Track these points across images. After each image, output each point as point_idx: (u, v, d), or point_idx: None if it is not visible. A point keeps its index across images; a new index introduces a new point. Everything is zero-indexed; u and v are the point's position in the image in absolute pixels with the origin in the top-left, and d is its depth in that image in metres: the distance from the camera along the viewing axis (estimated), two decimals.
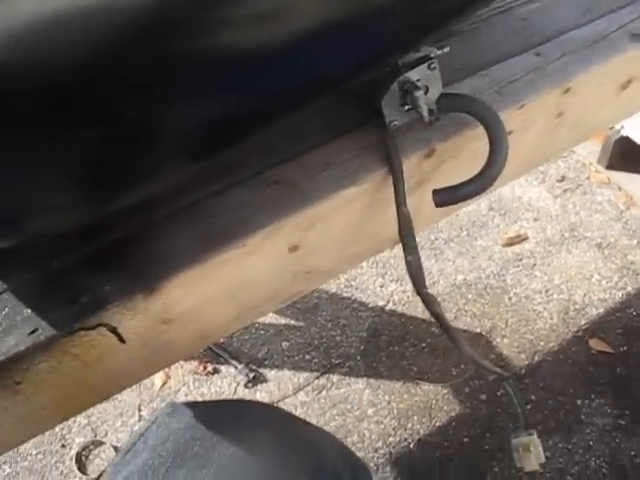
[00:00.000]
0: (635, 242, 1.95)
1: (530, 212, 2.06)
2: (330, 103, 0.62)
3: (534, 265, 1.91)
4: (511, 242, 1.96)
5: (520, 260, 1.93)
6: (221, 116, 0.45)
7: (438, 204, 0.59)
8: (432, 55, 0.57)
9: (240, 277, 0.56)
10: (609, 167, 2.12)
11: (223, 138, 0.48)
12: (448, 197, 0.59)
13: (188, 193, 0.57)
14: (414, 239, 0.58)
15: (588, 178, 2.15)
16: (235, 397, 1.67)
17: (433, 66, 0.56)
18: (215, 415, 0.63)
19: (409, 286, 1.82)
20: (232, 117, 0.46)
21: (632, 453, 1.55)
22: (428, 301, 0.58)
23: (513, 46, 0.71)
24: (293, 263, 0.59)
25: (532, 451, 0.67)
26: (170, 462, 0.58)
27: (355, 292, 1.85)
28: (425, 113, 0.56)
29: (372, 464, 1.55)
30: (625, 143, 2.03)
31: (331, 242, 0.60)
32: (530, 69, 0.68)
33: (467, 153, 0.64)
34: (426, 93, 0.57)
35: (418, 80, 0.56)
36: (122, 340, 0.52)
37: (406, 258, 0.57)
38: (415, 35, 0.53)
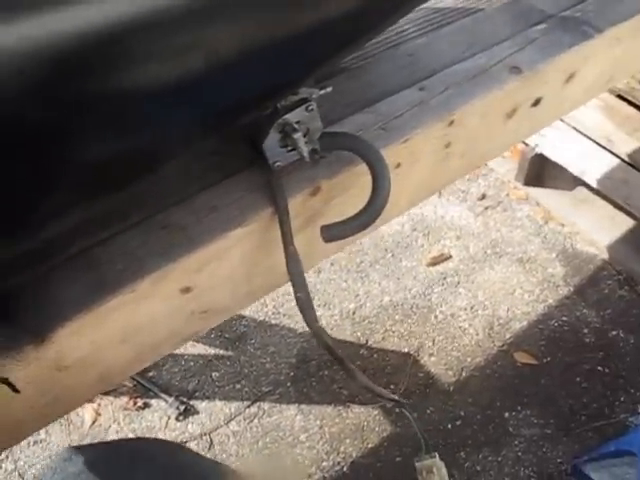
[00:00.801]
0: (554, 255, 2.01)
1: (453, 231, 2.10)
2: (218, 145, 0.63)
3: (458, 283, 1.95)
4: (435, 261, 2.00)
5: (444, 279, 1.97)
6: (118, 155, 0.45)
7: (326, 239, 0.60)
8: (311, 97, 0.58)
9: (133, 321, 0.56)
10: (527, 183, 2.19)
11: (120, 176, 0.48)
12: (336, 233, 0.60)
13: (79, 240, 0.57)
14: (303, 275, 0.59)
15: (507, 195, 2.21)
16: (167, 430, 1.66)
17: (310, 108, 0.58)
18: (111, 457, 0.63)
19: (337, 310, 1.84)
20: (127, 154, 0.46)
21: (558, 460, 1.60)
22: (320, 335, 0.59)
23: (399, 82, 0.73)
24: (187, 304, 0.60)
25: (435, 473, 0.69)
26: None
27: (283, 319, 1.86)
28: (305, 154, 0.58)
29: None
30: (540, 160, 2.10)
31: (223, 282, 0.61)
32: (414, 104, 0.70)
33: (356, 188, 0.66)
34: (306, 134, 0.59)
35: (297, 122, 0.58)
36: (16, 390, 0.51)
37: (295, 294, 0.58)
38: (289, 81, 0.54)
